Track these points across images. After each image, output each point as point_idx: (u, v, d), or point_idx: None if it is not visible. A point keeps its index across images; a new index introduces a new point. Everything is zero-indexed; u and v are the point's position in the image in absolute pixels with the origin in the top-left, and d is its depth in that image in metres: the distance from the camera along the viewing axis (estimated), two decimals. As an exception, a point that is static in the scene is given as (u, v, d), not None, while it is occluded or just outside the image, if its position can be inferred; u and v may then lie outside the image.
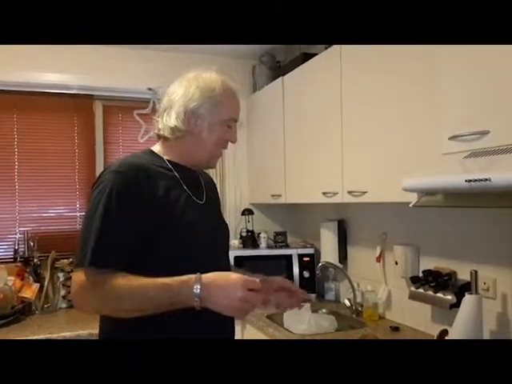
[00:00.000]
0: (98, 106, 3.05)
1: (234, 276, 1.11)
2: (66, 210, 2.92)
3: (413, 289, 2.01)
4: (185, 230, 1.23)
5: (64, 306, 2.71)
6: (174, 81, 1.35)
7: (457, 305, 1.74)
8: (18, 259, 2.73)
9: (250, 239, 3.12)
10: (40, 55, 2.72)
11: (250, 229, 3.18)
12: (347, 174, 2.14)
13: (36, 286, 2.62)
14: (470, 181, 1.29)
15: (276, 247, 3.07)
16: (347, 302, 2.50)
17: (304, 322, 2.21)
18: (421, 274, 2.02)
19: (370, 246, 2.46)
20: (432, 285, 1.90)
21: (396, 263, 2.20)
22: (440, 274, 1.91)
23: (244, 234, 3.15)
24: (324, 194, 2.30)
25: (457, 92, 1.46)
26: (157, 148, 1.36)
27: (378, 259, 2.37)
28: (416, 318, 2.15)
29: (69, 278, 2.63)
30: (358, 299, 2.47)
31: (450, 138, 1.45)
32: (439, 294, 1.86)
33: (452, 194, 1.51)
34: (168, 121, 1.30)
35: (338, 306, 2.65)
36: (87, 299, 1.15)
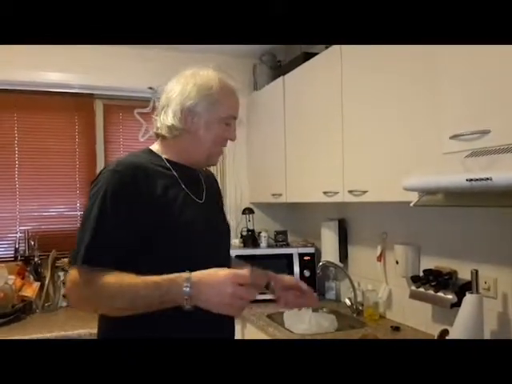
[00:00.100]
0: (98, 105, 3.05)
1: (222, 272, 1.10)
2: (66, 209, 2.92)
3: (413, 288, 2.01)
4: (183, 229, 1.23)
5: (64, 304, 2.71)
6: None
7: (457, 304, 1.74)
8: (19, 258, 2.73)
9: (251, 238, 3.12)
10: (40, 54, 2.72)
11: (251, 228, 3.18)
12: (348, 174, 2.14)
13: (36, 284, 2.62)
14: (471, 180, 1.28)
15: (276, 246, 3.07)
16: (348, 302, 2.50)
17: (304, 322, 2.21)
18: (421, 274, 2.02)
19: (370, 245, 2.46)
20: (433, 284, 1.90)
21: (397, 262, 2.19)
22: (441, 273, 1.91)
23: (244, 233, 3.15)
24: (325, 193, 2.30)
25: (457, 91, 1.46)
26: (155, 147, 1.36)
27: (379, 258, 2.37)
28: (417, 318, 2.14)
29: (69, 277, 2.62)
30: (359, 298, 2.47)
31: (450, 138, 1.45)
32: (440, 294, 1.86)
33: (453, 193, 1.51)
34: (165, 119, 1.30)
35: (338, 306, 2.65)
36: (80, 297, 1.17)
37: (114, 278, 1.11)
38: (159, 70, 2.85)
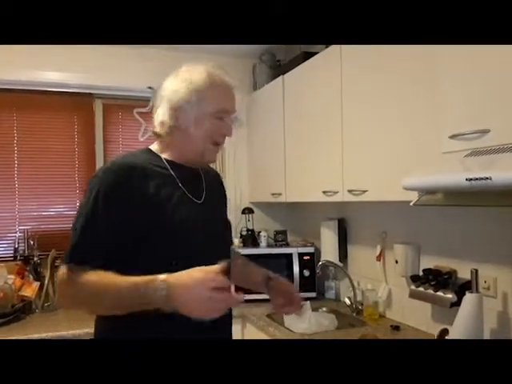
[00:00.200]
0: (97, 104, 3.04)
1: (196, 274, 1.05)
2: (65, 209, 2.92)
3: (413, 287, 2.01)
4: (176, 229, 1.22)
5: (64, 304, 2.71)
6: None
7: (457, 303, 1.74)
8: (18, 258, 2.73)
9: (250, 238, 3.12)
10: (40, 54, 2.72)
11: (250, 227, 3.18)
12: (347, 173, 2.14)
13: (36, 284, 2.62)
14: (471, 179, 1.28)
15: (276, 246, 3.07)
16: (347, 301, 2.50)
17: (304, 321, 2.21)
18: (421, 273, 2.02)
19: (370, 244, 2.46)
20: (432, 283, 1.90)
21: (396, 262, 2.20)
22: (440, 272, 1.91)
23: (244, 233, 3.15)
24: (324, 192, 2.30)
25: (457, 91, 1.46)
26: (154, 146, 1.36)
27: (379, 258, 2.37)
28: (416, 317, 2.15)
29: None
30: (359, 298, 2.47)
31: (450, 137, 1.45)
32: (439, 293, 1.86)
33: (452, 192, 1.51)
34: (158, 117, 1.31)
35: (338, 305, 2.66)
36: (65, 294, 1.19)
37: (96, 278, 1.11)
38: (159, 69, 2.82)
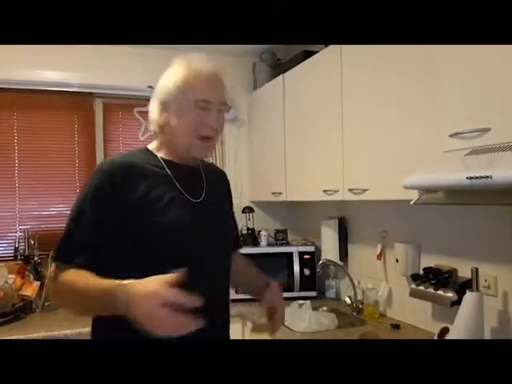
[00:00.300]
0: (98, 103, 3.04)
1: (150, 286, 0.97)
2: (66, 208, 2.91)
3: (413, 286, 2.01)
4: (168, 230, 1.20)
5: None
6: None
7: (458, 302, 1.74)
8: (19, 257, 2.73)
9: (251, 237, 3.12)
10: (40, 53, 2.72)
11: (251, 227, 3.18)
12: (348, 172, 2.14)
13: (36, 284, 2.62)
14: (471, 178, 1.29)
15: (276, 245, 3.07)
16: (348, 300, 2.51)
17: (305, 320, 2.21)
18: (421, 272, 2.02)
19: (370, 243, 2.46)
20: (433, 282, 1.90)
21: (397, 261, 2.20)
22: (441, 271, 1.91)
23: (244, 232, 3.15)
24: (325, 191, 2.29)
25: (457, 90, 1.46)
26: (152, 145, 1.35)
27: (379, 257, 2.37)
28: (417, 316, 2.15)
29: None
30: (359, 297, 2.47)
31: (450, 136, 1.45)
32: (440, 292, 1.86)
33: (453, 191, 1.51)
34: (150, 115, 1.31)
35: (338, 304, 2.66)
36: (51, 292, 1.24)
37: (73, 278, 1.12)
38: (159, 68, 2.83)
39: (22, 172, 2.86)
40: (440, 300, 1.87)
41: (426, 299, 1.97)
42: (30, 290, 2.58)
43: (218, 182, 1.46)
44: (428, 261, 2.06)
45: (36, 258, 2.69)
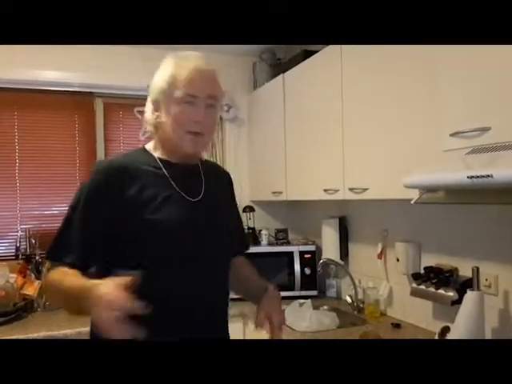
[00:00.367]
0: (98, 103, 3.04)
1: (101, 288, 0.98)
2: (67, 208, 2.91)
3: (414, 285, 2.01)
4: (161, 230, 1.19)
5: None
6: None
7: (458, 301, 1.74)
8: (20, 256, 2.73)
9: (251, 236, 3.12)
10: (40, 53, 2.72)
11: (251, 226, 3.18)
12: (348, 171, 2.13)
13: (38, 283, 2.62)
14: (472, 177, 1.28)
15: (277, 244, 3.07)
16: (348, 299, 2.51)
17: (305, 319, 2.21)
18: (422, 271, 2.01)
19: (371, 242, 2.46)
20: (434, 281, 1.90)
21: (397, 260, 2.20)
22: (441, 270, 1.91)
23: (245, 232, 3.14)
24: (325, 190, 2.29)
25: (457, 89, 1.46)
26: (149, 146, 1.34)
27: (380, 256, 2.37)
28: (417, 315, 2.15)
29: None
30: (360, 296, 2.47)
31: (451, 135, 1.45)
32: (441, 291, 1.86)
33: (454, 190, 1.51)
34: (145, 115, 1.31)
35: (339, 303, 2.66)
36: (44, 289, 1.22)
37: (59, 276, 1.14)
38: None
39: (22, 171, 2.86)
40: (441, 299, 1.87)
41: (426, 298, 1.97)
42: (32, 289, 2.58)
43: (220, 183, 1.44)
44: (429, 260, 2.06)
45: (37, 258, 2.69)
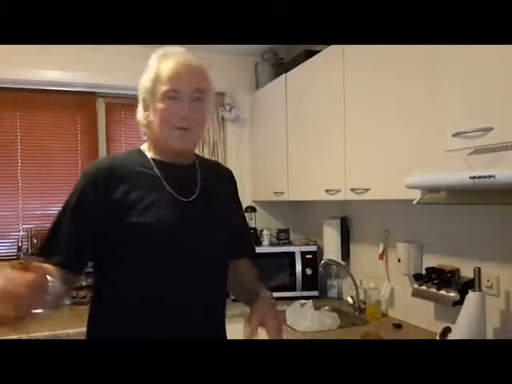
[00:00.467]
0: (100, 103, 3.05)
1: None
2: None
3: (416, 286, 2.01)
4: (146, 230, 1.17)
5: (68, 302, 2.71)
6: None
7: (460, 302, 1.74)
8: (22, 256, 2.74)
9: (253, 236, 3.12)
10: (42, 53, 2.72)
11: (253, 226, 3.18)
12: (350, 172, 2.13)
13: (39, 283, 2.62)
14: (474, 177, 1.28)
15: (279, 244, 3.07)
16: (350, 300, 2.50)
17: (307, 320, 2.21)
18: (424, 272, 2.01)
19: (372, 243, 2.46)
20: (435, 282, 1.90)
21: (399, 260, 2.19)
22: (443, 271, 1.91)
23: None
24: (327, 191, 2.29)
25: (459, 90, 1.46)
26: (144, 146, 1.33)
27: (381, 256, 2.37)
28: (419, 316, 2.14)
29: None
30: (361, 296, 2.47)
31: (453, 135, 1.45)
32: (442, 292, 1.86)
33: (456, 190, 1.51)
34: (137, 116, 1.31)
35: (340, 304, 2.65)
36: None
37: None
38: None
39: (24, 171, 2.87)
40: (442, 300, 1.87)
41: (428, 299, 1.97)
42: (33, 289, 2.58)
43: (221, 181, 1.41)
44: (430, 260, 2.06)
45: (39, 258, 2.70)
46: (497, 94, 1.33)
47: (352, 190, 2.09)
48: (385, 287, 2.36)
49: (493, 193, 1.37)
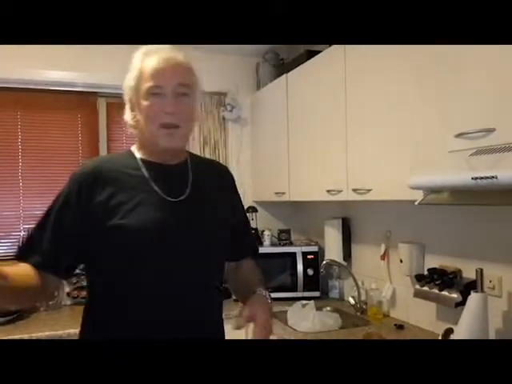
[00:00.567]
0: (101, 103, 3.04)
1: None
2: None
3: (418, 287, 2.00)
4: (131, 232, 1.15)
5: (68, 302, 2.71)
6: None
7: (462, 303, 1.73)
8: (23, 257, 2.74)
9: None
10: (43, 53, 2.72)
11: (254, 226, 3.17)
12: (352, 172, 2.13)
13: (40, 283, 2.62)
14: (477, 178, 1.28)
15: (280, 245, 3.07)
16: (351, 300, 2.50)
17: (308, 320, 2.21)
18: (426, 272, 2.01)
19: (374, 243, 2.46)
20: (437, 283, 1.89)
21: (401, 261, 2.19)
22: (445, 272, 1.90)
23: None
24: (328, 191, 2.29)
25: (462, 90, 1.45)
26: (134, 147, 1.31)
27: (383, 257, 2.37)
28: (421, 317, 2.14)
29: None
30: (363, 297, 2.47)
31: (455, 136, 1.45)
32: (444, 293, 1.85)
33: (458, 191, 1.50)
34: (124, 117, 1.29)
35: (342, 304, 2.65)
36: None
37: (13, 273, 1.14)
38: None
39: (25, 171, 2.87)
40: (444, 301, 1.86)
41: (430, 300, 1.96)
42: (34, 289, 2.58)
43: (217, 180, 1.37)
44: (432, 261, 2.05)
45: (40, 258, 2.70)
46: (500, 94, 1.32)
47: (354, 190, 2.09)
48: (386, 288, 2.35)
49: (495, 194, 1.37)
